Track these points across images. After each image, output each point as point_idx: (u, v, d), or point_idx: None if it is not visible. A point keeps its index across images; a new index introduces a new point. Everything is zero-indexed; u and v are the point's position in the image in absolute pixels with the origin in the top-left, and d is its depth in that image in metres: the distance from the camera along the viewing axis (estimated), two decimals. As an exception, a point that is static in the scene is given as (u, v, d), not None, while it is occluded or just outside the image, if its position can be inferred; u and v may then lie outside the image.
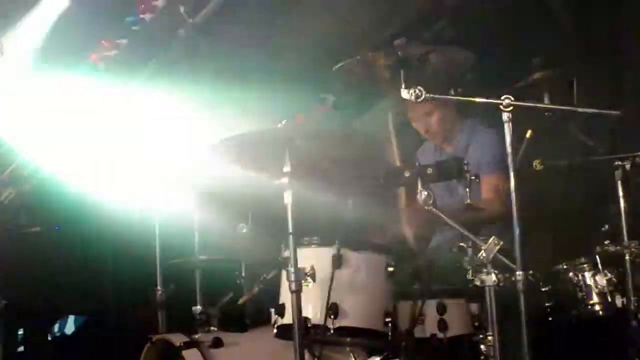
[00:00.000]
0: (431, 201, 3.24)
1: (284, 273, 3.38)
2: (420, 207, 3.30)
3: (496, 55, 4.87)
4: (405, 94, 3.15)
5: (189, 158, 4.24)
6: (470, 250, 3.34)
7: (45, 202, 5.51)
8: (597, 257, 3.66)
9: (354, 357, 3.61)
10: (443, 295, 3.57)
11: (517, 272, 3.04)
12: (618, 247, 3.55)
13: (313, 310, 3.37)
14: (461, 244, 3.43)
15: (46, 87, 4.83)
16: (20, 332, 6.07)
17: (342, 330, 3.37)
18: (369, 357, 3.58)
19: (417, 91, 3.13)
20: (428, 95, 3.16)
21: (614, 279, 3.63)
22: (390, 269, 3.44)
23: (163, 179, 4.33)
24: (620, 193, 3.55)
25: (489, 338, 3.25)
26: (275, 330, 3.49)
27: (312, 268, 3.32)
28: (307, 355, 3.32)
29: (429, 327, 3.55)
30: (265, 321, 3.77)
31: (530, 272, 3.09)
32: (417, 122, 4.39)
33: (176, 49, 4.71)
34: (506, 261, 3.13)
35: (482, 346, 3.31)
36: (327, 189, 3.80)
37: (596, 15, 5.07)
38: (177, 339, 3.64)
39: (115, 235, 4.83)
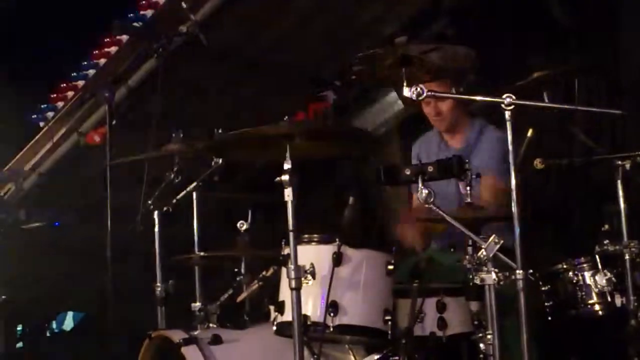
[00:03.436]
0: (432, 199, 3.23)
1: (283, 270, 3.37)
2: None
3: (497, 54, 4.87)
4: (407, 91, 3.15)
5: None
6: (470, 249, 3.33)
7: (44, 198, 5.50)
8: (597, 256, 3.66)
9: (353, 354, 3.61)
10: (443, 293, 3.57)
11: (517, 271, 3.04)
12: (618, 247, 3.55)
13: (313, 308, 3.36)
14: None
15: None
16: (19, 328, 6.07)
17: (342, 328, 3.37)
18: (368, 355, 3.57)
19: (419, 89, 3.13)
20: (430, 92, 3.16)
21: (613, 279, 3.63)
22: (390, 266, 3.44)
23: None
24: (621, 193, 3.56)
25: (489, 337, 3.24)
26: (274, 328, 3.49)
27: (312, 265, 3.32)
28: (306, 353, 3.31)
29: (429, 325, 3.54)
30: (264, 318, 3.76)
31: (530, 271, 3.09)
32: (429, 104, 4.30)
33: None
34: (506, 260, 3.13)
35: (481, 345, 3.31)
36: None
37: (595, 14, 5.08)
38: (176, 335, 3.63)
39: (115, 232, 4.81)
